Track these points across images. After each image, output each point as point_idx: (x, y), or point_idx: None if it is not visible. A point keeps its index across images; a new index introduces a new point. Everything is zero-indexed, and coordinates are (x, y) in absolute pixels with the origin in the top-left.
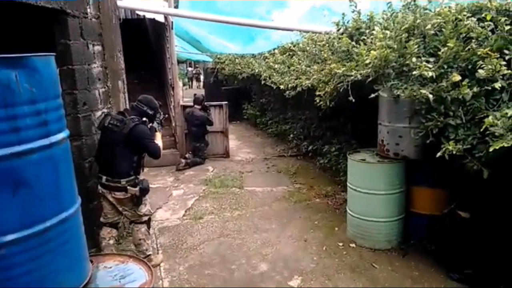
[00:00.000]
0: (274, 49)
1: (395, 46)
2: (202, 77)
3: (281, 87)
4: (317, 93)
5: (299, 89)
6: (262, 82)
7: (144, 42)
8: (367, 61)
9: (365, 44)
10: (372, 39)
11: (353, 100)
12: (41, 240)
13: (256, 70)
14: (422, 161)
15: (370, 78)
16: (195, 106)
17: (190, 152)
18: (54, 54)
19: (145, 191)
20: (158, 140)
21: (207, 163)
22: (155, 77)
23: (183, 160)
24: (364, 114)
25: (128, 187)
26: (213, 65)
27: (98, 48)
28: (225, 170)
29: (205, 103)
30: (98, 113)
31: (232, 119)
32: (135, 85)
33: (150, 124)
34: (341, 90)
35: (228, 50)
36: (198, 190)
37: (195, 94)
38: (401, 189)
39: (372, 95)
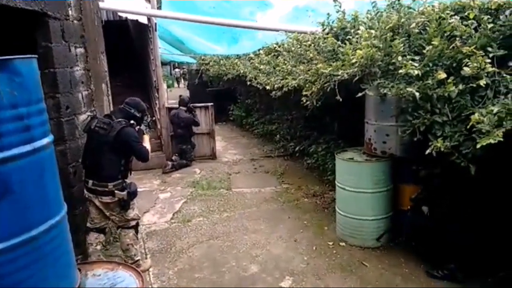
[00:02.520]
0: (259, 50)
1: (381, 45)
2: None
3: (267, 87)
4: (304, 93)
5: (285, 89)
6: (248, 83)
7: (127, 44)
8: (353, 61)
9: (350, 43)
10: (357, 38)
11: (340, 100)
12: (28, 248)
13: (241, 71)
14: (409, 159)
15: (357, 77)
16: (181, 107)
17: (177, 154)
18: (36, 56)
19: (133, 195)
20: (146, 143)
21: (194, 165)
22: (139, 80)
23: (169, 163)
24: (350, 113)
25: (116, 191)
26: (198, 67)
27: (80, 50)
28: (212, 171)
29: (191, 104)
30: (82, 117)
31: (218, 121)
32: (118, 88)
33: (138, 127)
34: (327, 89)
35: (212, 51)
36: (185, 192)
37: (180, 96)
38: (389, 187)
39: (359, 94)
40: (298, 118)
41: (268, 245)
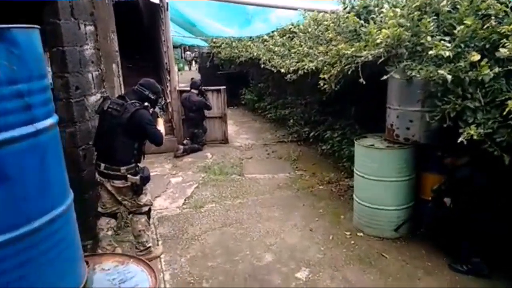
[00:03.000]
0: (273, 32)
1: (408, 25)
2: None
3: (282, 70)
4: (322, 76)
5: (300, 72)
6: (262, 66)
7: (138, 25)
8: (378, 41)
9: (374, 23)
10: (382, 17)
11: (364, 83)
12: (28, 243)
13: (255, 54)
14: (433, 146)
15: (382, 59)
16: (192, 90)
17: (188, 138)
18: (38, 27)
19: (146, 179)
20: (160, 126)
21: (205, 149)
22: (150, 62)
23: (181, 147)
24: (369, 98)
25: (128, 176)
26: (209, 50)
27: (90, 28)
28: (224, 156)
29: (203, 87)
30: (92, 98)
31: (229, 104)
32: (129, 70)
33: (152, 109)
34: (348, 72)
35: (224, 33)
36: (197, 177)
37: (192, 78)
38: (411, 175)
39: (384, 77)
40: (312, 103)
41: (283, 233)
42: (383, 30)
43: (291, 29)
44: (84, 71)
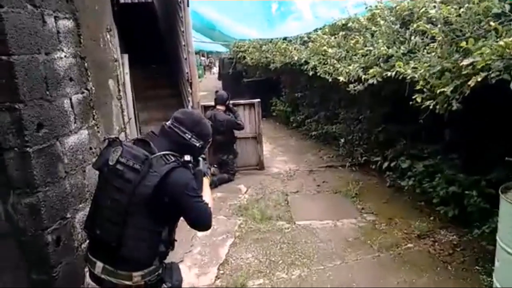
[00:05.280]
0: (315, 30)
1: None
2: (215, 69)
3: (341, 79)
4: (421, 86)
5: (372, 81)
6: (310, 73)
7: (152, 27)
8: None
9: None
10: None
11: None
12: None
13: (295, 58)
14: None
15: None
16: (218, 107)
17: (215, 166)
18: None
19: None
20: (207, 194)
21: (237, 179)
22: (167, 71)
23: None
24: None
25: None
26: (232, 55)
27: (66, 24)
28: (263, 189)
29: (230, 102)
30: (71, 140)
31: None
32: (143, 81)
33: (195, 167)
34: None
35: (248, 36)
36: (232, 225)
37: (216, 92)
38: None
39: None
40: (372, 118)
41: None
42: None
43: (345, 25)
44: (55, 95)
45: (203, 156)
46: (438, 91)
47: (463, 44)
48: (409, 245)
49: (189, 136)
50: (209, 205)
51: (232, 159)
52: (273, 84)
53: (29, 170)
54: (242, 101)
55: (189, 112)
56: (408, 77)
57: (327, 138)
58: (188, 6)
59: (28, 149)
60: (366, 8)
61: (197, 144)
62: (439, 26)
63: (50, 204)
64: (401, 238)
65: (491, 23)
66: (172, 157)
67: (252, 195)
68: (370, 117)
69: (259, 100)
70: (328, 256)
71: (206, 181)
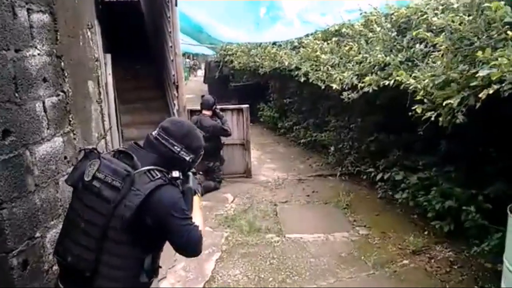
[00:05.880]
0: (307, 36)
1: None
2: (200, 71)
3: (334, 86)
4: (428, 101)
5: (368, 89)
6: (302, 79)
7: (137, 27)
8: None
9: None
10: None
11: None
12: None
13: (286, 63)
14: None
15: None
16: (204, 112)
17: (201, 173)
18: None
19: None
20: (197, 215)
21: (223, 187)
22: (152, 72)
23: None
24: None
25: None
26: (218, 58)
27: (41, 17)
28: (250, 199)
29: (217, 107)
30: (42, 148)
31: None
32: (126, 83)
33: (185, 184)
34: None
35: (236, 39)
36: (218, 238)
37: (202, 96)
38: None
39: None
40: (364, 128)
41: None
42: None
43: (338, 31)
44: (25, 98)
45: (193, 170)
46: (444, 103)
47: (479, 54)
48: (405, 261)
49: (178, 149)
50: (200, 228)
51: (218, 166)
52: (260, 89)
53: None
54: (230, 106)
55: (179, 122)
56: (411, 87)
57: (315, 145)
58: (176, 5)
59: None
60: (361, 14)
61: (187, 158)
62: (444, 34)
63: (16, 222)
64: (396, 254)
65: (509, 32)
66: (158, 173)
67: (240, 205)
68: (362, 125)
69: (247, 105)
70: (320, 273)
71: (196, 200)
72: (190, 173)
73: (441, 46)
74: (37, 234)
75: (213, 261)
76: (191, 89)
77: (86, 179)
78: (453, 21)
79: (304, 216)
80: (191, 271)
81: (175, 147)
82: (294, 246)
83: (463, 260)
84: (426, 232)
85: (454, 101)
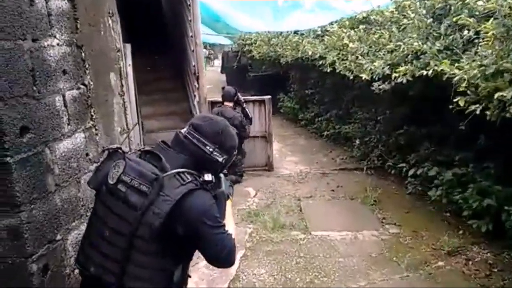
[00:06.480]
0: (331, 24)
1: None
2: (216, 61)
3: (363, 76)
4: (472, 92)
5: (402, 80)
6: (328, 69)
7: (155, 15)
8: None
9: None
10: None
11: None
12: None
13: (309, 53)
14: None
15: None
16: (225, 103)
17: None
18: None
19: None
20: (230, 222)
21: (244, 180)
22: (171, 63)
23: None
24: None
25: None
26: (236, 48)
27: (59, 4)
28: (273, 193)
29: (239, 97)
30: (63, 145)
31: None
32: (146, 74)
33: (217, 186)
34: None
35: (254, 28)
36: (242, 234)
37: (223, 88)
38: None
39: None
40: (391, 120)
41: None
42: None
43: (366, 18)
44: (44, 91)
45: (224, 172)
46: (495, 95)
47: None
48: (440, 263)
49: (211, 149)
50: (233, 236)
51: (240, 160)
52: (280, 79)
53: (10, 185)
54: (251, 98)
55: (211, 118)
56: (456, 78)
57: (338, 138)
58: None
59: (8, 159)
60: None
61: (220, 159)
62: (492, 20)
63: (36, 225)
64: (430, 255)
65: None
66: (188, 176)
67: (262, 199)
68: (390, 117)
69: (269, 96)
70: (350, 275)
71: (229, 205)
72: (222, 175)
73: (486, 33)
74: (58, 237)
75: (237, 259)
76: (208, 79)
77: (110, 182)
78: (503, 6)
79: (330, 212)
80: (215, 269)
81: (207, 147)
82: (321, 244)
83: (504, 263)
84: (461, 232)
85: (507, 93)
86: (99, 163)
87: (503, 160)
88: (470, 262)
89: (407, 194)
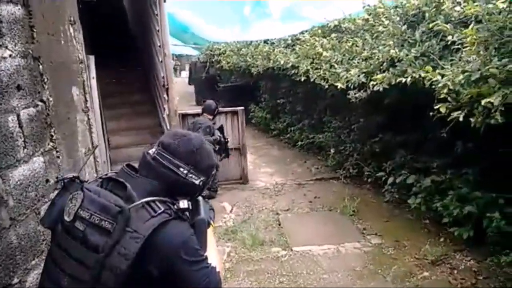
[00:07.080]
0: (302, 33)
1: None
2: (183, 72)
3: (339, 85)
4: (453, 99)
5: (378, 88)
6: (302, 78)
7: (120, 25)
8: None
9: None
10: None
11: None
12: None
13: (281, 62)
14: None
15: None
16: (205, 114)
17: None
18: None
19: None
20: (212, 252)
21: (219, 195)
22: (139, 75)
23: None
24: None
25: None
26: (204, 59)
27: (12, 10)
28: (250, 207)
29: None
30: (18, 173)
31: None
32: (112, 87)
33: (196, 216)
34: None
35: (222, 38)
36: (219, 254)
37: (204, 101)
38: None
39: None
40: (365, 128)
41: None
42: None
43: (338, 26)
44: None
45: (202, 194)
46: (483, 102)
47: None
48: (425, 273)
49: (185, 171)
50: (218, 269)
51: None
52: (250, 89)
53: None
54: (224, 109)
55: (183, 135)
56: (440, 84)
57: (312, 147)
58: (164, 1)
59: None
60: (364, 7)
61: (197, 182)
62: (474, 25)
63: None
64: (414, 265)
65: None
66: (160, 205)
67: (239, 215)
68: (364, 126)
69: (242, 108)
70: None
71: (210, 233)
72: (200, 199)
73: (466, 38)
74: (15, 280)
75: None
76: (176, 90)
77: (66, 219)
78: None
79: (310, 225)
80: None
81: (181, 169)
82: (303, 260)
83: (488, 270)
84: (442, 240)
85: (494, 99)
86: (53, 197)
87: (481, 166)
88: (455, 271)
89: (385, 202)
